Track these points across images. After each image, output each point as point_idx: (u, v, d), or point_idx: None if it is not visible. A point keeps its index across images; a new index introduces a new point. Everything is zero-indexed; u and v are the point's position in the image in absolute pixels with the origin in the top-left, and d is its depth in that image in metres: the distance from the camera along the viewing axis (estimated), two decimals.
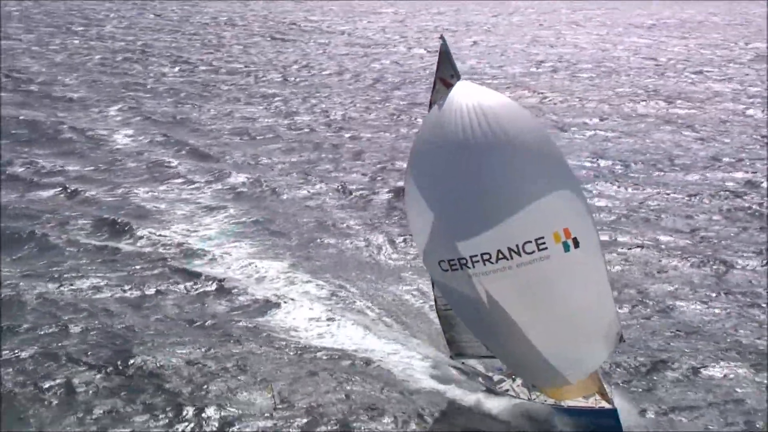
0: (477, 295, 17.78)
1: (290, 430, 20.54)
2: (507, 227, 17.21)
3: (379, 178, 41.20)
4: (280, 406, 21.73)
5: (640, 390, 22.16)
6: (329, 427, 20.58)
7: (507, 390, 20.95)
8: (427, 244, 18.20)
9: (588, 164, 43.50)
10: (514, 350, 18.74)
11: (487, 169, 17.42)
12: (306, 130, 51.12)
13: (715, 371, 22.94)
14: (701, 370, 22.99)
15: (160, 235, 33.16)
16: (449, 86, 18.67)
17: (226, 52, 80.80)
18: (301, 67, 72.54)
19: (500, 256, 17.24)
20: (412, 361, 23.53)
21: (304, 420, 20.90)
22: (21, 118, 52.16)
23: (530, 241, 17.19)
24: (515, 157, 17.49)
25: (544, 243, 17.24)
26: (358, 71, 71.25)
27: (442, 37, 19.35)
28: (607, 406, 19.09)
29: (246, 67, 72.47)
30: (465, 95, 18.05)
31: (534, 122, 18.55)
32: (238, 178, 40.98)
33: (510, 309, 17.83)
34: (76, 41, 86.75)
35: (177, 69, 71.36)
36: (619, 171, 42.10)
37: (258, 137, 49.40)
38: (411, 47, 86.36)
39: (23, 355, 23.22)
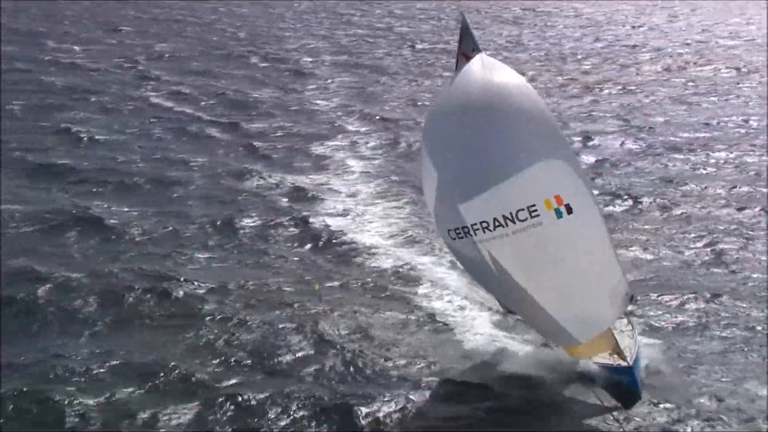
0: (483, 259, 17.09)
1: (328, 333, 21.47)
2: (500, 193, 16.38)
3: None
4: (322, 302, 22.90)
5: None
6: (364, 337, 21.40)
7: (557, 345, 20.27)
8: (436, 209, 17.58)
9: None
10: (525, 310, 18.10)
11: (485, 134, 16.71)
12: None
13: None
14: None
15: (293, 180, 34.87)
16: (469, 59, 18.03)
17: (455, 34, 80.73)
18: (512, 47, 71.69)
19: (497, 223, 16.42)
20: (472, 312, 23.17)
21: (341, 325, 22.02)
22: (245, 91, 55.50)
23: (523, 209, 16.31)
24: (512, 124, 16.76)
25: (536, 210, 16.30)
26: (561, 51, 69.40)
27: (462, 14, 18.89)
28: (623, 363, 17.96)
29: None
30: (477, 67, 17.43)
31: (534, 95, 17.40)
32: (398, 137, 41.87)
33: (514, 274, 17.06)
34: (339, 28, 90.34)
35: (404, 50, 72.64)
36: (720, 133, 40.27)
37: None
38: (632, 27, 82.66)
39: (96, 269, 25.33)
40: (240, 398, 18.28)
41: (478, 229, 16.64)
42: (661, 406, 17.84)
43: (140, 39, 78.95)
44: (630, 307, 20.89)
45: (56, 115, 45.85)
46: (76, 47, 70.71)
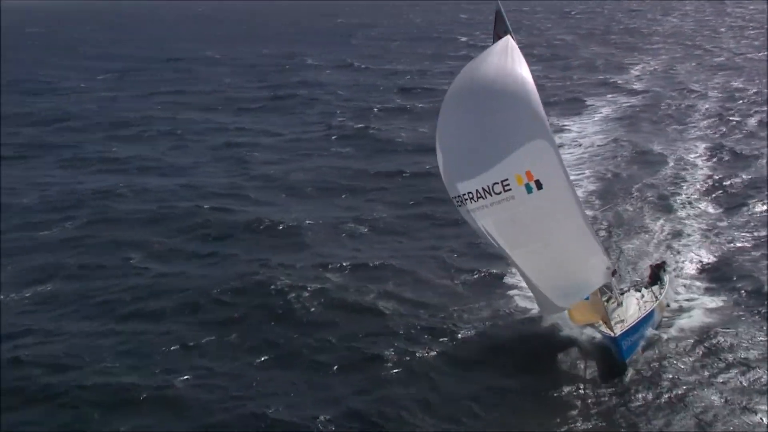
0: (479, 228, 16.88)
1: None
2: (481, 166, 16.04)
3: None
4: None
5: None
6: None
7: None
8: (444, 178, 17.18)
9: None
10: (521, 275, 17.84)
11: (477, 113, 16.33)
12: None
13: None
14: None
15: None
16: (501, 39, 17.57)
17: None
18: None
19: (478, 195, 16.27)
20: None
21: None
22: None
23: (497, 183, 16.01)
24: (501, 106, 16.13)
25: (508, 184, 15.96)
26: None
27: (498, 3, 17.98)
28: (611, 334, 17.14)
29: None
30: (497, 49, 17.00)
31: (527, 81, 16.25)
32: None
33: (499, 242, 16.80)
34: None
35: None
36: None
37: None
38: None
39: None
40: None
41: (466, 199, 16.35)
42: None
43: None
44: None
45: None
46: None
